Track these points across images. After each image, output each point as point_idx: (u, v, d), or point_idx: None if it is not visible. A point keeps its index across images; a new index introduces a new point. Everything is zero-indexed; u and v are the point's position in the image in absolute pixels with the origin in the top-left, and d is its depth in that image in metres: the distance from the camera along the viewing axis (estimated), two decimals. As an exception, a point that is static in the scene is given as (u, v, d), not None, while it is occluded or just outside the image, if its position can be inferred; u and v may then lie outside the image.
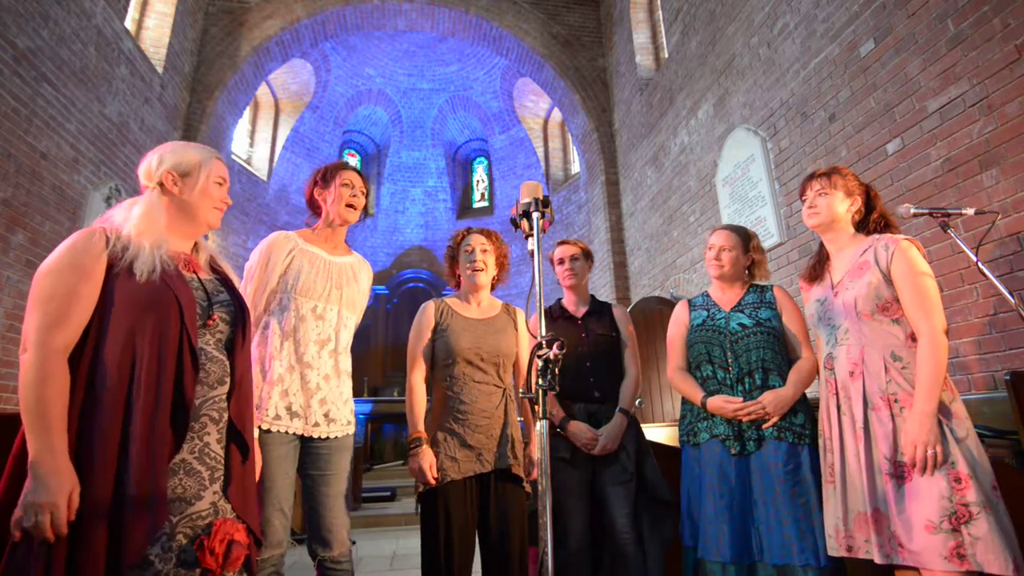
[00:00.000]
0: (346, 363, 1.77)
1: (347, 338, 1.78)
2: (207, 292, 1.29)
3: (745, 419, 1.73)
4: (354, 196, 1.80)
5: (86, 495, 1.03)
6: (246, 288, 1.66)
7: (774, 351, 1.80)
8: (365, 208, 1.87)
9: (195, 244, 1.39)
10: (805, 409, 1.75)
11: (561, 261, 2.21)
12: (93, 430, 1.08)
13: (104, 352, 1.12)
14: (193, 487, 1.16)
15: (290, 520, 1.60)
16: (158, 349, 1.15)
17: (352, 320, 1.81)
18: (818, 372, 1.75)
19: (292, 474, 1.60)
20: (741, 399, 1.75)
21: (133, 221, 1.22)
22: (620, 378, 2.10)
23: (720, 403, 1.77)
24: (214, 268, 1.39)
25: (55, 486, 0.99)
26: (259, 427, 1.54)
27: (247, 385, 1.31)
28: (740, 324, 1.85)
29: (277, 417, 1.57)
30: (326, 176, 1.82)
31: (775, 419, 1.70)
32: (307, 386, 1.63)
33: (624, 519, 1.87)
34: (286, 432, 1.58)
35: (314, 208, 1.85)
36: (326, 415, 1.65)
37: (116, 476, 1.06)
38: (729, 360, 1.82)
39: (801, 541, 1.57)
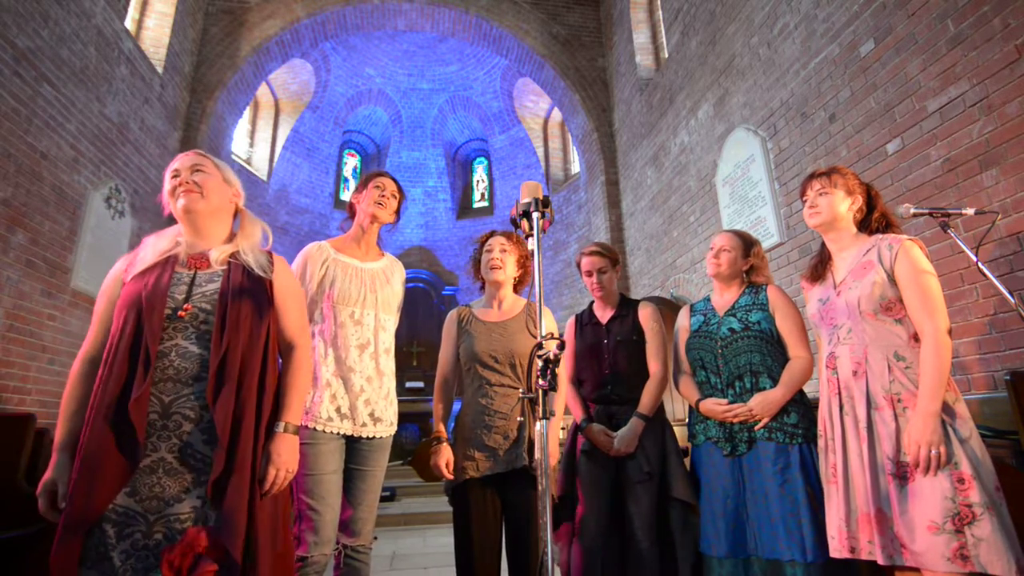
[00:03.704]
0: (387, 364, 1.83)
1: (387, 339, 1.84)
2: (193, 285, 1.28)
3: (734, 421, 1.78)
4: (383, 196, 1.88)
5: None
6: None
7: (763, 354, 1.82)
8: (399, 212, 1.96)
9: (230, 239, 1.43)
10: (799, 409, 1.76)
11: (589, 274, 2.21)
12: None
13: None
14: (173, 487, 1.13)
15: (339, 516, 1.62)
16: (115, 351, 1.19)
17: (390, 321, 1.87)
18: (812, 372, 1.78)
19: (340, 469, 1.66)
20: (727, 401, 1.81)
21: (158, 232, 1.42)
22: (641, 380, 2.08)
23: (711, 405, 1.84)
24: (234, 260, 1.37)
25: (45, 478, 1.17)
26: (313, 428, 1.60)
27: (237, 376, 1.22)
28: (730, 329, 1.88)
29: (329, 419, 1.64)
30: (363, 180, 1.94)
31: (765, 420, 1.74)
32: (351, 389, 1.70)
33: (639, 518, 1.89)
34: (337, 433, 1.65)
35: (352, 212, 1.96)
36: (371, 415, 1.72)
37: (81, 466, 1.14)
38: (720, 365, 1.87)
39: (789, 537, 1.61)
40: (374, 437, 1.72)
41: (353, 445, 1.70)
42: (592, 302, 2.31)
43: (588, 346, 2.15)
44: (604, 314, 2.22)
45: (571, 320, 2.32)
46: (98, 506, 1.08)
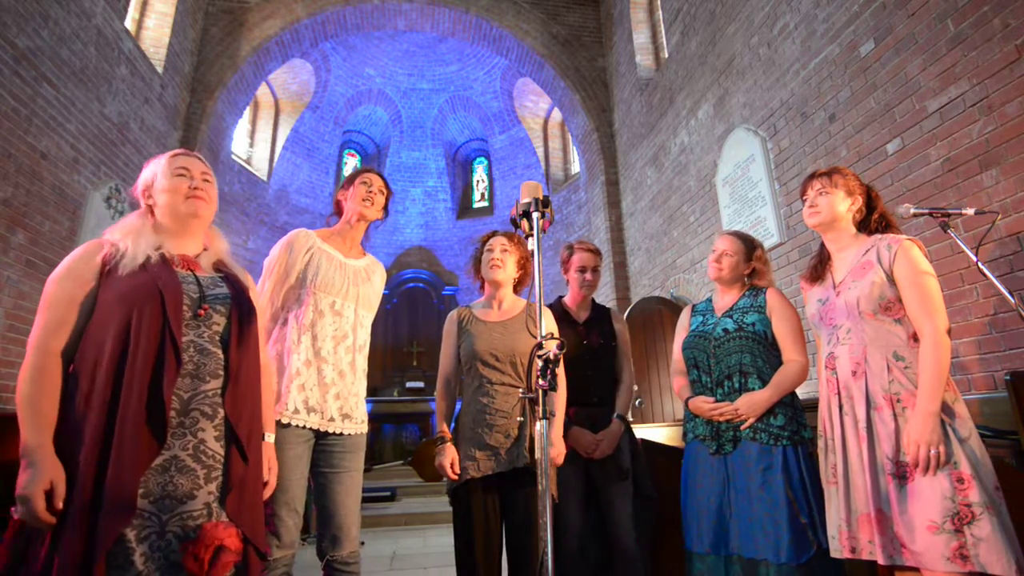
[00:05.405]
0: (361, 362, 1.80)
1: (363, 336, 1.82)
2: (201, 286, 1.28)
3: (720, 419, 1.80)
4: (370, 192, 1.85)
5: (69, 486, 1.07)
6: (264, 283, 1.69)
7: (754, 355, 1.83)
8: (387, 209, 1.92)
9: (205, 249, 1.41)
10: (787, 411, 1.77)
11: (583, 269, 2.21)
12: (71, 424, 1.12)
13: (85, 349, 1.16)
14: (186, 485, 1.14)
15: (302, 520, 1.62)
16: (137, 341, 1.14)
17: (368, 319, 1.85)
18: (806, 376, 1.79)
19: (306, 474, 1.62)
20: (714, 399, 1.83)
21: (119, 227, 1.32)
22: (615, 382, 2.16)
23: (699, 403, 1.87)
24: (221, 269, 1.39)
25: (33, 478, 1.04)
26: (278, 421, 1.56)
27: (248, 381, 1.28)
28: (724, 330, 1.90)
29: (296, 411, 1.59)
30: (350, 178, 1.91)
31: (751, 421, 1.75)
32: (323, 381, 1.66)
33: (626, 518, 1.92)
34: (303, 427, 1.60)
35: (338, 209, 1.93)
36: (340, 410, 1.68)
37: (96, 467, 1.08)
38: (712, 365, 1.89)
39: (764, 537, 1.63)
40: (342, 434, 1.67)
41: (322, 445, 1.65)
42: (560, 297, 2.30)
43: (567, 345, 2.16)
44: (580, 314, 2.23)
45: None
46: (131, 503, 1.08)
